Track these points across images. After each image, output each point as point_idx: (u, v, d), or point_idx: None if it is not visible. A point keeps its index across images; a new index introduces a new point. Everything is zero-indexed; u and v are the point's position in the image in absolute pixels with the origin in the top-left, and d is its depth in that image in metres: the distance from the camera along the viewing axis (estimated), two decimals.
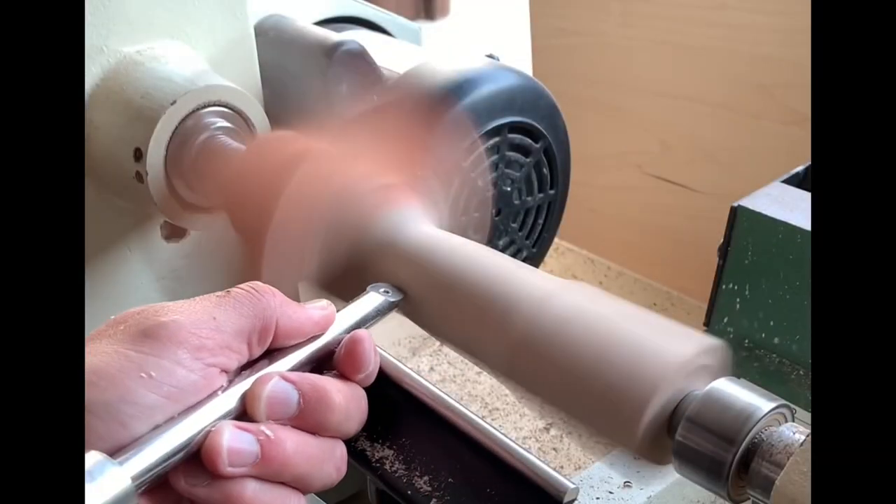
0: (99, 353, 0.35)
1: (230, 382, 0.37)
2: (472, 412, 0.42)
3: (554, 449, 0.75)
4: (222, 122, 0.59)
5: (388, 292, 0.46)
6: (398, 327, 0.83)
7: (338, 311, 0.43)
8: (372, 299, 0.45)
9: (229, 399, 0.37)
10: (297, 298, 0.41)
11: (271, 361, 0.39)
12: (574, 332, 0.41)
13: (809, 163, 0.67)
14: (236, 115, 0.59)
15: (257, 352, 0.39)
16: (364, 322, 0.43)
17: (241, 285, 0.40)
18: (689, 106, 0.97)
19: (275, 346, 0.40)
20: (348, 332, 0.42)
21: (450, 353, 0.85)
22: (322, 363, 0.41)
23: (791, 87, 0.88)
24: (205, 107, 0.58)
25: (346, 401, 0.39)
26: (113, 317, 0.38)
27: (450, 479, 0.40)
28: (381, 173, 0.51)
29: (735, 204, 0.63)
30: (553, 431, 0.77)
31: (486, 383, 0.81)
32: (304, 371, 0.40)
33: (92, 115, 0.58)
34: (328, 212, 0.48)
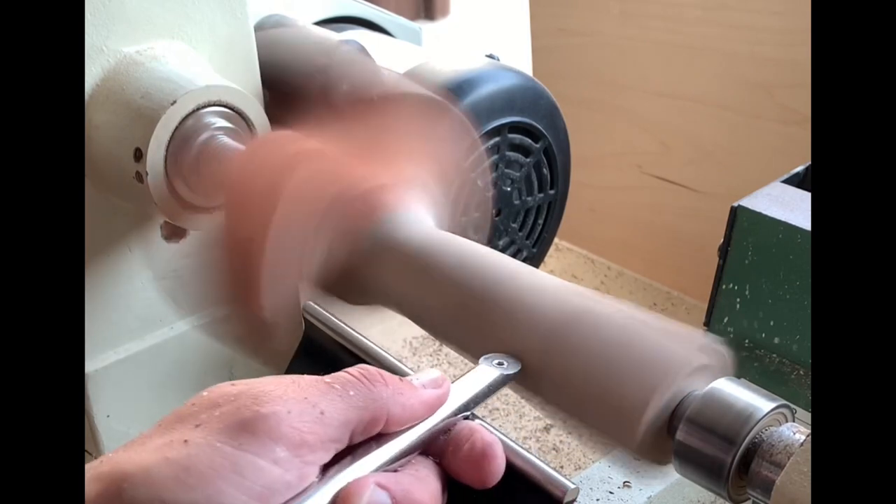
0: (190, 444, 0.32)
1: (322, 476, 0.34)
2: (480, 418, 0.42)
3: (554, 449, 0.75)
4: (222, 122, 0.59)
5: (502, 364, 0.42)
6: (398, 327, 0.83)
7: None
8: (485, 373, 0.41)
9: (319, 500, 0.33)
10: (297, 298, 0.41)
11: (368, 450, 0.35)
12: (574, 332, 0.41)
13: (809, 163, 0.67)
14: (236, 115, 0.59)
15: (359, 440, 0.35)
16: (478, 401, 0.39)
17: (352, 371, 0.36)
18: (689, 106, 0.97)
19: (379, 433, 0.36)
20: (460, 413, 0.38)
21: (450, 353, 0.85)
22: (426, 447, 0.37)
23: (791, 87, 0.88)
24: (205, 107, 0.58)
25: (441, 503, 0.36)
26: (205, 392, 0.34)
27: (451, 481, 0.40)
28: (381, 174, 0.51)
29: (735, 204, 0.63)
30: (553, 431, 0.77)
31: None
32: (406, 458, 0.36)
33: (92, 115, 0.58)
34: (328, 212, 0.48)
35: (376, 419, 0.35)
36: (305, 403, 0.33)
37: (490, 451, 0.36)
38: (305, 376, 0.35)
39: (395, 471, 0.35)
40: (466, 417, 0.39)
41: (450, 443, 0.37)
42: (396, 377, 0.37)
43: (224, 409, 0.33)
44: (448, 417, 0.38)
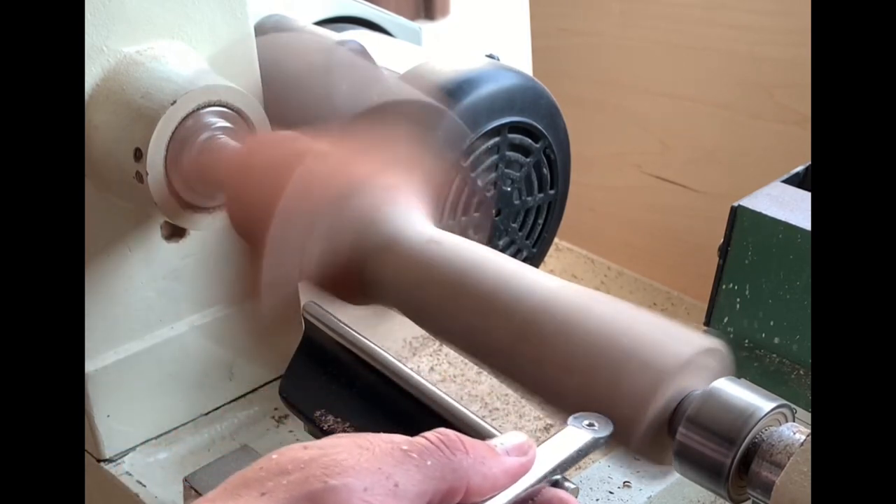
0: None
1: None
2: (471, 412, 0.42)
3: None
4: (222, 122, 0.59)
5: (593, 426, 0.38)
6: (398, 327, 0.83)
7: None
8: (575, 436, 0.37)
9: None
10: (296, 299, 0.41)
11: None
12: (574, 332, 0.41)
13: (809, 163, 0.67)
14: (236, 115, 0.59)
15: None
16: (566, 467, 0.36)
17: (430, 437, 0.34)
18: (689, 106, 0.97)
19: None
20: (545, 479, 0.36)
21: (450, 353, 0.85)
22: None
23: (791, 87, 0.88)
24: (205, 107, 0.58)
25: None
26: (274, 454, 0.32)
27: None
28: (381, 173, 0.51)
29: (735, 204, 0.63)
30: (553, 431, 0.77)
31: (486, 383, 0.81)
32: None
33: (92, 115, 0.58)
34: (328, 212, 0.48)
35: (455, 489, 0.33)
36: (379, 474, 0.31)
37: None
38: (381, 440, 0.33)
39: None
40: (555, 483, 0.36)
41: None
42: (478, 443, 0.34)
43: (292, 477, 0.31)
44: (532, 486, 0.35)
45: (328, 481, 0.30)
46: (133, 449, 0.68)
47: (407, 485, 0.31)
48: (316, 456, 0.32)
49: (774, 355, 0.62)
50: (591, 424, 0.38)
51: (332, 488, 0.30)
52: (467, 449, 0.34)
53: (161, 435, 0.70)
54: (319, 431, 0.48)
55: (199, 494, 0.58)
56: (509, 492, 0.34)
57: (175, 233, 0.66)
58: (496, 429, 0.41)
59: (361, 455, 0.32)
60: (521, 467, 0.35)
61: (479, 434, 0.39)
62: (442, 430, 0.34)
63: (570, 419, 0.38)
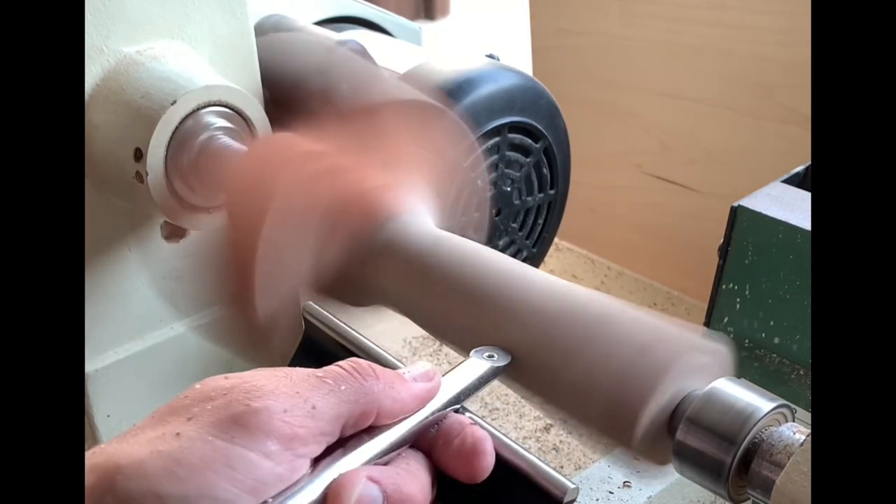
0: (182, 437, 0.32)
1: (313, 469, 0.34)
2: (470, 412, 0.42)
3: (554, 449, 0.75)
4: (222, 122, 0.59)
5: (492, 356, 0.42)
6: (398, 327, 0.83)
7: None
8: (475, 366, 0.41)
9: (311, 493, 0.33)
10: (295, 299, 0.41)
11: (360, 443, 0.35)
12: (574, 331, 0.41)
13: (809, 163, 0.67)
14: (236, 115, 0.60)
15: (350, 433, 0.36)
16: (468, 394, 0.39)
17: (344, 364, 0.36)
18: (689, 106, 0.97)
19: (370, 426, 0.36)
20: (450, 406, 0.38)
21: (450, 352, 0.85)
22: (416, 440, 0.37)
23: (791, 87, 0.88)
24: (205, 107, 0.58)
25: (430, 497, 0.36)
26: (197, 384, 0.34)
27: (449, 479, 0.40)
28: (380, 173, 0.51)
29: (735, 204, 0.63)
30: (553, 431, 0.77)
31: None
32: (396, 451, 0.36)
33: (92, 115, 0.58)
34: (327, 213, 0.48)
35: (367, 413, 0.35)
36: (297, 398, 0.33)
37: (480, 447, 0.37)
38: (298, 370, 0.35)
39: (386, 464, 0.36)
40: (457, 411, 0.39)
41: (440, 436, 0.37)
42: (388, 370, 0.37)
43: (216, 402, 0.33)
44: (438, 410, 0.38)
45: (250, 404, 0.32)
46: None
47: (323, 407, 0.34)
48: (237, 383, 0.34)
49: (774, 355, 0.62)
50: (490, 356, 0.41)
51: (254, 410, 0.32)
52: (378, 375, 0.36)
53: None
54: None
55: None
56: (417, 416, 0.37)
57: (175, 233, 0.66)
58: (496, 429, 0.41)
59: (280, 381, 0.34)
60: (427, 392, 0.37)
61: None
62: (354, 358, 0.37)
63: (472, 352, 0.42)
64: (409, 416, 0.37)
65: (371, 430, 0.36)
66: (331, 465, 0.34)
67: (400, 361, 0.44)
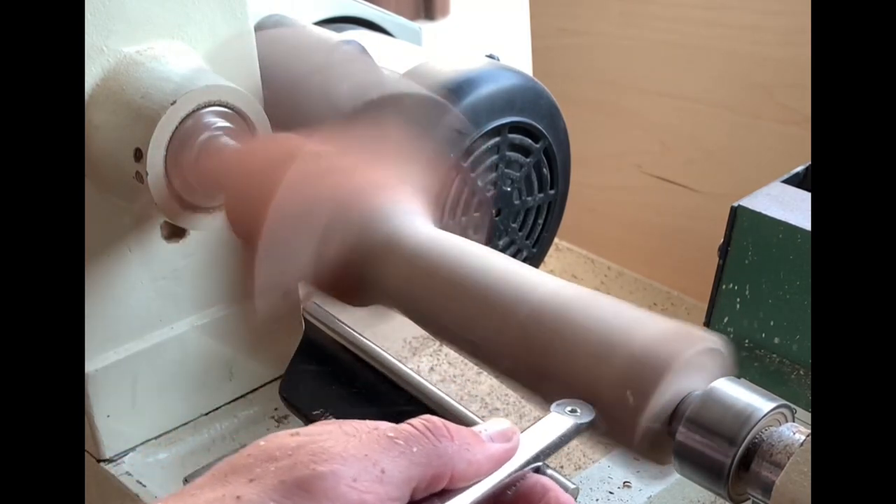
0: (243, 500, 0.30)
1: None
2: (471, 411, 0.42)
3: None
4: (222, 122, 0.59)
5: (576, 412, 0.38)
6: (398, 327, 0.83)
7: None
8: (557, 422, 0.38)
9: None
10: (296, 299, 0.41)
11: None
12: (574, 332, 0.41)
13: (809, 163, 0.67)
14: (236, 115, 0.59)
15: (421, 497, 0.34)
16: (549, 453, 0.37)
17: (416, 424, 0.34)
18: (689, 106, 0.97)
19: (444, 489, 0.34)
20: (529, 465, 0.36)
21: (450, 353, 0.85)
22: (492, 501, 0.36)
23: (791, 87, 0.88)
24: (205, 107, 0.58)
25: None
26: (262, 441, 0.33)
27: None
28: (380, 173, 0.51)
29: (735, 204, 0.63)
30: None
31: (486, 383, 0.81)
32: None
33: (92, 115, 0.58)
34: (326, 212, 0.48)
35: (440, 476, 0.33)
36: (366, 461, 0.32)
37: None
38: (367, 426, 0.33)
39: None
40: (537, 469, 0.37)
41: (520, 498, 0.36)
42: (463, 429, 0.35)
43: (280, 464, 0.31)
44: (516, 471, 0.36)
45: (316, 468, 0.31)
46: (133, 449, 0.68)
47: (393, 471, 0.32)
48: (304, 443, 0.32)
49: (774, 355, 0.62)
50: (573, 411, 0.38)
51: (321, 475, 0.31)
52: (452, 435, 0.34)
53: (161, 435, 0.70)
54: None
55: None
56: (493, 477, 0.35)
57: (175, 233, 0.66)
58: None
59: (349, 442, 0.32)
60: (504, 453, 0.35)
61: None
62: (427, 416, 0.35)
63: (553, 406, 0.39)
64: (484, 478, 0.35)
65: (444, 494, 0.34)
66: None
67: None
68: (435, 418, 0.35)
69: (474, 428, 0.36)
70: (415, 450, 0.33)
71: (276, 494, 0.30)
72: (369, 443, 0.32)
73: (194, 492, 0.31)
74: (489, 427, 0.36)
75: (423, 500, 0.34)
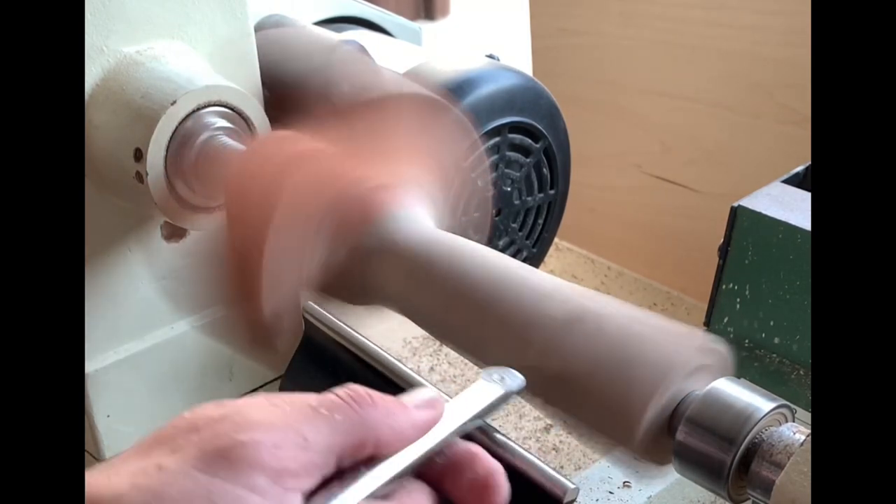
0: (164, 471, 0.30)
1: (308, 501, 0.32)
2: (487, 427, 0.42)
3: (554, 449, 0.75)
4: (222, 122, 0.59)
5: (503, 379, 0.38)
6: (398, 327, 0.83)
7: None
8: (485, 390, 0.38)
9: None
10: (297, 299, 0.41)
11: (358, 475, 0.33)
12: (574, 332, 0.41)
13: (809, 163, 0.67)
14: (236, 115, 0.59)
15: (347, 465, 0.34)
16: (477, 420, 0.37)
17: (339, 392, 0.34)
18: (689, 106, 0.97)
19: (369, 456, 0.34)
20: (456, 434, 0.36)
21: (450, 353, 0.85)
22: (420, 469, 0.35)
23: (791, 87, 0.88)
24: (205, 107, 0.58)
25: None
26: (186, 413, 0.33)
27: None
28: (380, 174, 0.51)
29: (735, 204, 0.63)
30: (553, 431, 0.77)
31: None
32: (398, 482, 0.34)
33: (92, 115, 0.58)
34: (328, 213, 0.48)
35: (363, 443, 0.34)
36: (288, 430, 0.32)
37: (493, 481, 0.35)
38: (293, 398, 0.34)
39: (386, 496, 0.34)
40: (469, 437, 0.37)
41: (448, 467, 0.36)
42: (388, 398, 0.35)
43: (203, 434, 0.32)
44: (443, 439, 0.36)
45: (237, 437, 0.31)
46: None
47: (316, 438, 0.32)
48: (228, 413, 0.32)
49: (774, 355, 0.62)
50: (501, 378, 0.38)
51: (241, 443, 0.31)
52: (376, 403, 0.34)
53: None
54: None
55: None
56: (420, 445, 0.35)
57: (175, 233, 0.66)
58: (497, 431, 0.41)
59: (272, 412, 0.32)
60: (429, 420, 0.35)
61: (490, 438, 0.39)
62: (351, 385, 0.35)
63: (482, 373, 0.38)
64: (411, 446, 0.35)
65: (370, 461, 0.34)
66: (327, 499, 0.32)
67: (404, 364, 0.43)
68: (359, 387, 0.35)
69: (400, 396, 0.36)
70: (337, 417, 0.33)
71: (197, 463, 0.31)
72: (292, 413, 0.33)
73: (121, 463, 0.32)
74: (414, 396, 0.36)
75: (350, 468, 0.34)
